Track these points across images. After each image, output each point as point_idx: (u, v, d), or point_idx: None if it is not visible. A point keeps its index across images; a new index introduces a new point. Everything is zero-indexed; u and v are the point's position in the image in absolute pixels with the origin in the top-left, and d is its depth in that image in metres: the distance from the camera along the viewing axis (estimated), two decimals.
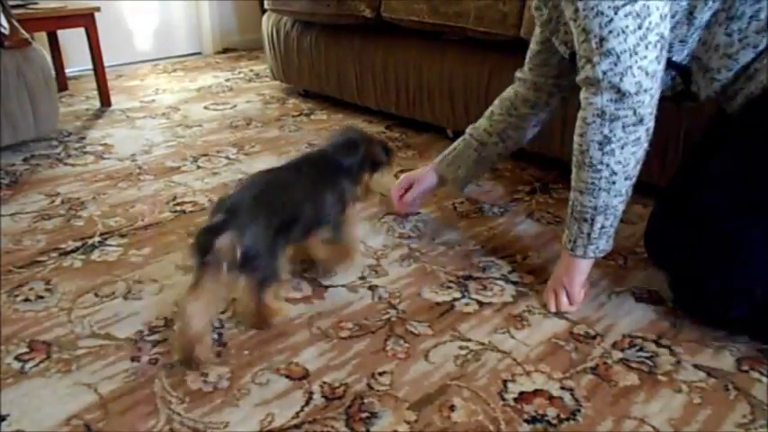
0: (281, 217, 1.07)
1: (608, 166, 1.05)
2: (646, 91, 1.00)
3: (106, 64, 2.60)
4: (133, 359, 1.04)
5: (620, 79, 0.99)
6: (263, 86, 2.99)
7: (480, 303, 1.20)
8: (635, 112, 1.01)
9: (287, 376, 1.00)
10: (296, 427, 0.90)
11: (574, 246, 1.14)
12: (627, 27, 0.97)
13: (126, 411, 0.92)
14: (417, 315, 1.16)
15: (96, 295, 1.22)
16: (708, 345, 1.07)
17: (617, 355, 1.05)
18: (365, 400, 0.94)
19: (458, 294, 1.23)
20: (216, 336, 1.09)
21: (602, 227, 1.10)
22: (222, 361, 1.03)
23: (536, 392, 0.96)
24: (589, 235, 1.11)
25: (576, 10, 1.01)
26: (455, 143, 1.52)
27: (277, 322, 1.13)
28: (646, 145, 1.06)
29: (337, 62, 2.42)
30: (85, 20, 2.49)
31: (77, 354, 1.05)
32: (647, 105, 1.01)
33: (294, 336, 1.10)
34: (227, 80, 3.13)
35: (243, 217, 1.00)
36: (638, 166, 1.07)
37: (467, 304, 1.19)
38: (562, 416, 0.91)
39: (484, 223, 1.54)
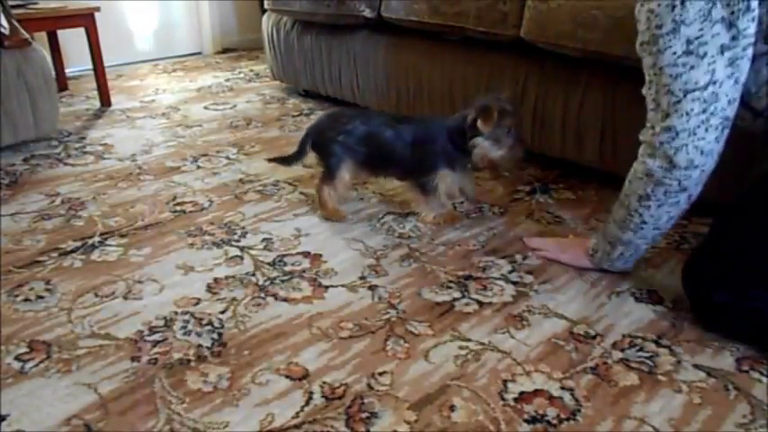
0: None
1: (641, 215, 1.13)
2: (696, 167, 1.04)
3: (106, 64, 2.61)
4: (133, 359, 1.04)
5: (675, 153, 1.03)
6: (263, 86, 2.99)
7: (480, 303, 1.20)
8: (680, 183, 1.06)
9: (287, 376, 1.00)
10: (296, 427, 0.89)
11: (593, 252, 1.27)
12: (692, 110, 1.00)
13: (126, 411, 0.92)
14: (417, 315, 1.16)
15: (96, 295, 1.22)
16: (708, 345, 1.07)
17: (617, 355, 1.05)
18: (365, 400, 0.94)
19: (458, 294, 1.23)
20: (216, 336, 1.10)
21: (622, 254, 1.22)
22: (222, 361, 1.03)
23: (536, 392, 0.96)
24: (609, 254, 1.24)
25: (651, 81, 1.05)
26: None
27: (277, 322, 1.13)
28: (685, 207, 1.11)
29: (337, 62, 2.42)
30: (85, 20, 2.49)
31: (77, 354, 1.05)
32: (694, 179, 1.06)
33: (294, 336, 1.10)
34: (227, 80, 3.13)
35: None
36: (672, 222, 1.14)
37: (467, 304, 1.19)
38: (562, 416, 0.91)
39: (484, 223, 1.54)
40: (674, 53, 0.99)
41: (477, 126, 1.39)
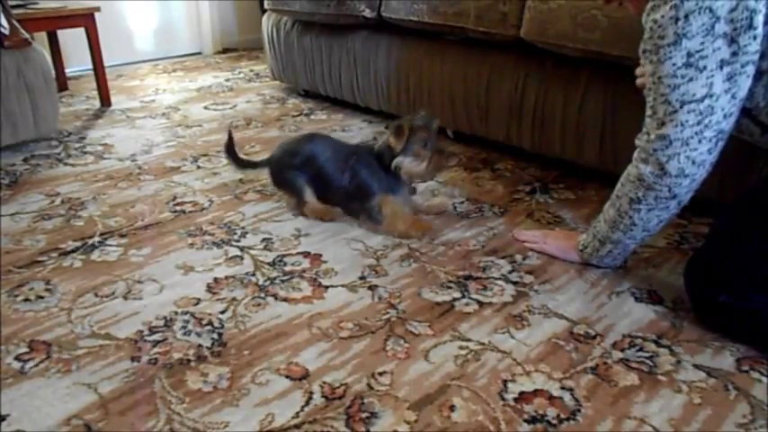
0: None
1: (630, 217, 1.15)
2: (687, 176, 1.06)
3: (106, 64, 2.60)
4: (133, 359, 1.04)
5: (667, 161, 1.05)
6: (263, 86, 2.99)
7: (480, 303, 1.20)
8: (670, 190, 1.08)
9: (287, 376, 1.00)
10: (296, 427, 0.89)
11: (583, 248, 1.29)
12: (687, 121, 1.02)
13: (126, 411, 0.92)
14: (417, 315, 1.16)
15: (96, 295, 1.22)
16: (708, 345, 1.07)
17: (617, 355, 1.05)
18: (365, 400, 0.94)
19: (458, 294, 1.23)
20: (216, 336, 1.10)
21: (610, 252, 1.25)
22: (222, 361, 1.03)
23: (536, 392, 0.96)
24: (598, 250, 1.26)
25: (650, 89, 1.06)
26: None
27: (277, 322, 1.13)
28: (675, 212, 1.14)
29: (337, 62, 2.41)
30: (85, 20, 2.49)
31: (77, 354, 1.05)
32: (685, 187, 1.08)
33: (294, 336, 1.10)
34: (227, 80, 3.13)
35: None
36: (661, 225, 1.17)
37: (467, 304, 1.19)
38: (562, 416, 0.91)
39: (484, 223, 1.54)
40: (674, 64, 1.00)
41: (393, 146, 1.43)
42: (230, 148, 1.65)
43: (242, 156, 1.72)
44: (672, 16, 0.97)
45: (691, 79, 0.99)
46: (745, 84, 1.00)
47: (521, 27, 1.72)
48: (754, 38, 0.96)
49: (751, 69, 0.99)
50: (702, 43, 0.97)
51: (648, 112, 1.08)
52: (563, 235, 1.41)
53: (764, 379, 0.99)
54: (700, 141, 1.03)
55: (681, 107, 1.01)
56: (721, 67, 0.98)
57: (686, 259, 1.16)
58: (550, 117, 1.77)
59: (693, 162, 1.04)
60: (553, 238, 1.38)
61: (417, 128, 1.42)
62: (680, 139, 1.03)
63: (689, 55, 0.98)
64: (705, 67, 0.98)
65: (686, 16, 0.96)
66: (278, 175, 1.59)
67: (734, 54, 0.97)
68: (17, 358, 1.04)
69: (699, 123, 1.01)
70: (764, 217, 1.05)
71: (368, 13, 2.15)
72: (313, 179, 1.52)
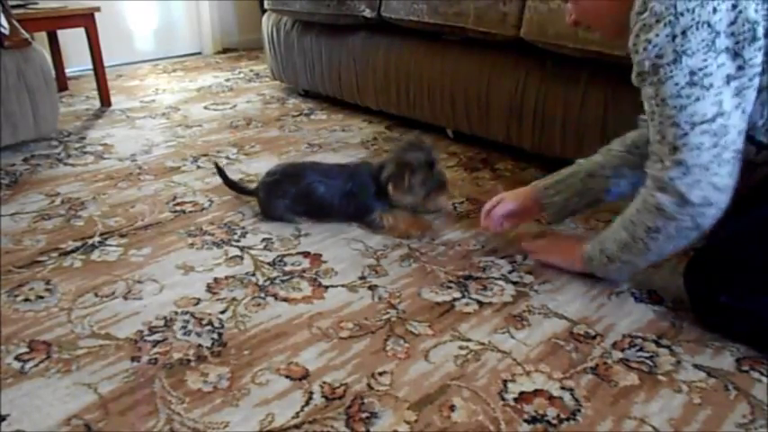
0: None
1: (646, 244, 1.08)
2: (711, 204, 0.99)
3: (106, 64, 2.60)
4: (133, 359, 1.04)
5: (688, 190, 0.98)
6: (263, 86, 2.99)
7: (480, 303, 1.20)
8: (693, 220, 1.00)
9: (287, 376, 1.00)
10: (296, 427, 0.89)
11: (590, 260, 1.21)
12: (702, 144, 0.95)
13: (126, 411, 0.92)
14: (417, 315, 1.16)
15: (96, 295, 1.22)
16: (708, 345, 1.07)
17: (617, 355, 1.05)
18: (365, 400, 0.94)
19: (458, 294, 1.23)
20: (216, 336, 1.10)
21: (619, 269, 1.19)
22: (222, 361, 1.03)
23: (536, 392, 0.96)
24: (605, 266, 1.19)
25: (653, 112, 1.00)
26: (563, 170, 1.36)
27: (276, 322, 1.13)
28: (694, 240, 1.06)
29: (337, 62, 2.42)
30: (85, 20, 2.49)
31: (77, 354, 1.05)
32: (709, 217, 1.01)
33: (294, 336, 1.10)
34: (227, 80, 3.13)
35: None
36: (677, 250, 1.10)
37: (467, 304, 1.19)
38: (562, 416, 0.91)
39: None
40: (677, 84, 0.94)
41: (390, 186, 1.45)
42: (227, 179, 1.66)
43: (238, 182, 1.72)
44: (668, 34, 0.92)
45: (698, 99, 0.94)
46: (752, 97, 0.96)
47: (521, 27, 1.72)
48: (759, 49, 0.93)
49: (757, 82, 0.95)
50: (705, 60, 0.92)
51: (656, 137, 1.01)
52: (564, 246, 1.34)
53: (764, 379, 0.99)
54: (719, 165, 0.96)
55: (692, 129, 0.95)
56: (728, 83, 0.94)
57: (686, 259, 1.16)
58: (550, 117, 1.77)
59: (716, 188, 0.98)
60: (556, 248, 1.33)
61: (415, 168, 1.42)
62: (698, 164, 0.96)
63: (692, 73, 0.93)
64: (711, 85, 0.93)
65: (683, 32, 0.92)
66: (268, 211, 1.56)
67: (740, 68, 0.93)
68: (17, 358, 1.04)
69: (716, 146, 0.95)
70: (764, 218, 1.04)
71: (368, 13, 2.15)
72: (308, 212, 1.52)
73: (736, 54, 0.93)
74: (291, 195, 1.51)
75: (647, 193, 1.05)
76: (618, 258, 1.15)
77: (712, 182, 0.97)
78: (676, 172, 0.98)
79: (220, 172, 1.67)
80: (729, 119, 0.95)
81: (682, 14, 0.91)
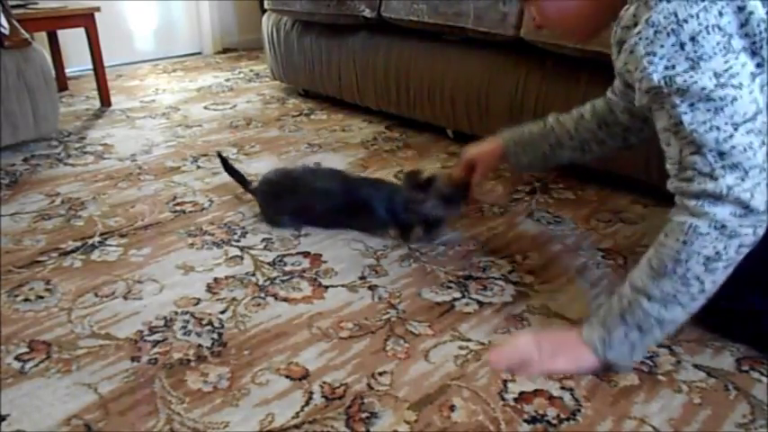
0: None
1: (702, 283, 0.92)
2: None
3: (106, 64, 2.60)
4: (133, 359, 1.04)
5: (751, 195, 0.87)
6: (263, 86, 2.99)
7: (480, 303, 1.20)
8: (755, 232, 0.89)
9: (287, 376, 1.00)
10: (296, 427, 0.90)
11: (606, 348, 0.97)
12: (752, 144, 0.87)
13: (126, 411, 0.92)
14: (417, 315, 1.16)
15: (96, 295, 1.22)
16: (708, 345, 1.07)
17: None
18: (365, 400, 0.94)
19: (458, 294, 1.23)
20: (216, 336, 1.10)
21: (655, 340, 0.99)
22: (222, 361, 1.03)
23: (536, 392, 0.96)
24: (633, 345, 0.96)
25: (680, 123, 0.90)
26: (534, 126, 1.33)
27: (276, 322, 1.13)
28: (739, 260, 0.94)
29: (337, 62, 2.42)
30: (85, 20, 2.49)
31: (77, 354, 1.05)
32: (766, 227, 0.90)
33: (294, 336, 1.10)
34: (227, 80, 3.13)
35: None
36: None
37: (467, 304, 1.19)
38: (562, 416, 0.91)
39: (484, 223, 1.54)
40: (704, 88, 0.87)
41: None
42: (230, 169, 1.65)
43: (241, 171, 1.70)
44: (674, 43, 0.87)
45: (734, 99, 0.87)
46: None
47: (521, 27, 1.72)
48: None
49: None
50: (727, 62, 0.87)
51: (688, 150, 0.90)
52: (560, 342, 1.04)
53: (764, 379, 0.99)
54: None
55: (736, 130, 0.86)
56: (754, 80, 0.89)
57: None
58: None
59: None
60: (556, 351, 1.02)
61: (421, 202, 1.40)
62: (757, 165, 0.86)
63: (717, 75, 0.87)
64: (741, 84, 0.87)
65: (693, 39, 0.86)
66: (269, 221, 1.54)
67: (759, 66, 0.89)
68: (17, 358, 1.04)
69: (764, 144, 0.88)
70: None
71: (368, 13, 2.15)
72: (309, 222, 1.50)
73: (753, 53, 0.89)
74: (291, 209, 1.49)
75: (695, 215, 0.90)
76: (658, 320, 0.94)
77: None
78: (733, 178, 0.87)
79: (223, 161, 1.66)
80: (766, 116, 0.89)
81: (685, 21, 0.87)
